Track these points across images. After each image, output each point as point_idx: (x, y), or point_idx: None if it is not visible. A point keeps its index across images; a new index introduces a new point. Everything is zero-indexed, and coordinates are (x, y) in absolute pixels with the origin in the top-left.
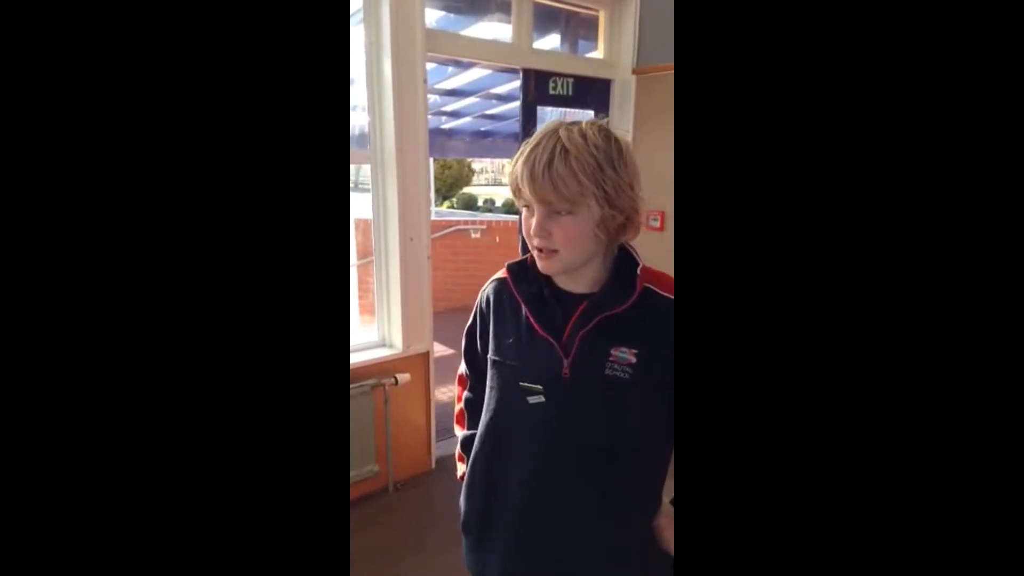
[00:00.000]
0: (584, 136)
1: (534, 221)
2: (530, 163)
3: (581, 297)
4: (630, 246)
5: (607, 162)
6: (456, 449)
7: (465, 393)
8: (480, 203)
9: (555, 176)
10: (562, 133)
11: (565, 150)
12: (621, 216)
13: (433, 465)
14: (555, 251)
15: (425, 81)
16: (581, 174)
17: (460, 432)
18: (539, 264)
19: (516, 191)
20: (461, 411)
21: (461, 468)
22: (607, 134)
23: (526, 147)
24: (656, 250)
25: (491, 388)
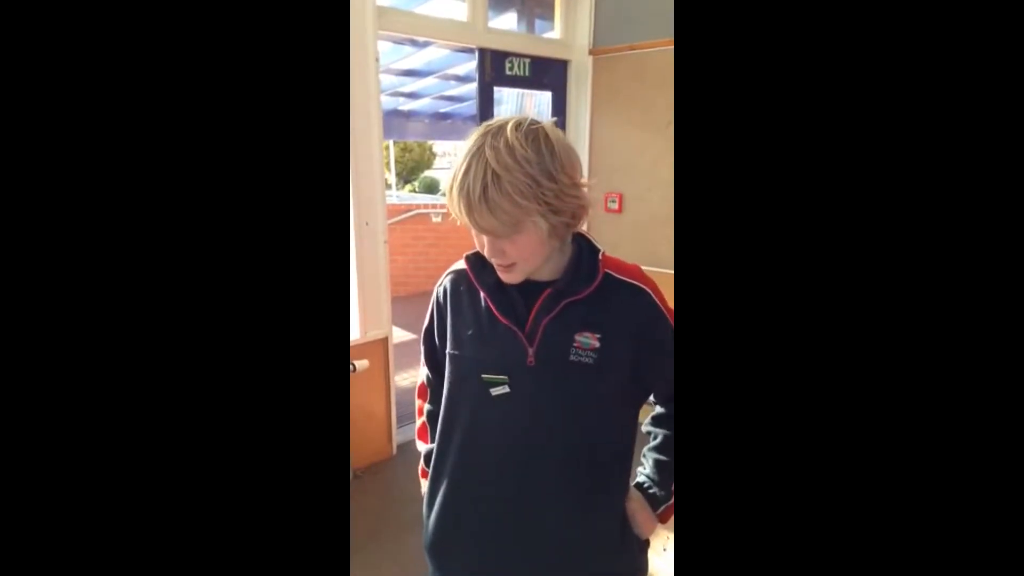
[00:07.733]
0: (512, 151)
1: (485, 242)
2: (464, 193)
3: (543, 285)
4: (586, 233)
5: (543, 175)
6: (419, 464)
7: (427, 406)
8: (442, 186)
9: (492, 205)
10: (488, 154)
11: (497, 176)
12: (570, 219)
13: (394, 451)
14: (513, 263)
15: (377, 60)
16: (518, 196)
17: (423, 447)
18: (501, 276)
19: (458, 215)
20: (424, 425)
21: (424, 485)
22: (535, 137)
23: (458, 172)
24: (615, 231)
25: (449, 384)
